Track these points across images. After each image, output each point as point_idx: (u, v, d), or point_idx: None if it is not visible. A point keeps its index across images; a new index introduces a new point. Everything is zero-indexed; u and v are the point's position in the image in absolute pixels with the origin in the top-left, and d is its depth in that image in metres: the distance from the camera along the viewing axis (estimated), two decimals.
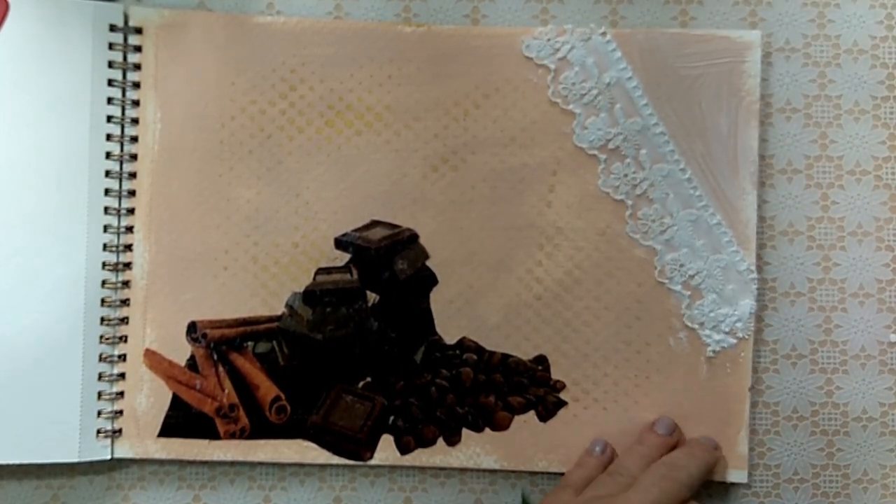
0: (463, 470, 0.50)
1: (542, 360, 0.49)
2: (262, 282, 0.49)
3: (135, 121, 0.50)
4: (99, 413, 0.48)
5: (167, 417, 0.49)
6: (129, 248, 0.49)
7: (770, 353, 0.50)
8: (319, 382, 0.49)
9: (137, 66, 0.50)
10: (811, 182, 0.50)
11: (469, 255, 0.49)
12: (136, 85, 0.50)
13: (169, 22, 0.50)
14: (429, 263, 0.49)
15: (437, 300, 0.49)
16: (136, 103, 0.50)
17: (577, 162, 0.49)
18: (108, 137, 0.49)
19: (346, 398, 0.49)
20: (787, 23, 0.50)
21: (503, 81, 0.50)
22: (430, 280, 0.49)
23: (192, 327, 0.49)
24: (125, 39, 0.50)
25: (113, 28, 0.49)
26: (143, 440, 0.49)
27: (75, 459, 0.48)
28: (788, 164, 0.50)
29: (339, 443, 0.49)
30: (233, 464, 0.50)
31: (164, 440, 0.49)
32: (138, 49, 0.50)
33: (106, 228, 0.49)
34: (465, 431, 0.49)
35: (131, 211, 0.49)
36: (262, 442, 0.49)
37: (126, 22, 0.50)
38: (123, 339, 0.49)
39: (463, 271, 0.49)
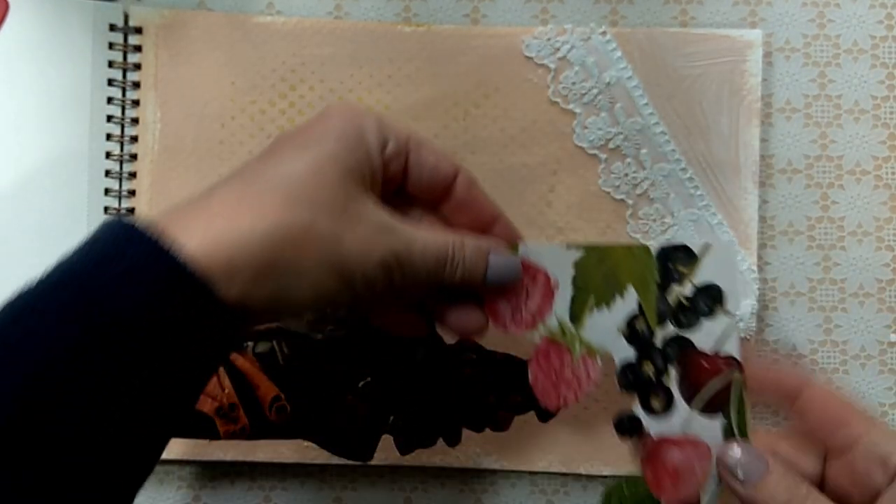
0: (463, 470, 0.50)
1: None
2: None
3: (135, 121, 0.50)
4: None
5: None
6: None
7: (770, 353, 0.50)
8: (319, 382, 0.49)
9: (137, 66, 0.50)
10: (811, 182, 0.50)
11: None
12: (136, 85, 0.50)
13: (169, 22, 0.50)
14: None
15: None
16: (136, 103, 0.50)
17: (578, 162, 0.49)
18: (108, 137, 0.49)
19: (346, 398, 0.49)
20: (787, 23, 0.50)
21: (503, 81, 0.50)
22: None
23: None
24: (125, 39, 0.50)
25: (113, 28, 0.49)
26: None
27: None
28: (788, 164, 0.50)
29: (339, 443, 0.49)
30: (233, 464, 0.49)
31: None
32: (138, 49, 0.50)
33: None
34: (465, 431, 0.49)
35: (131, 211, 0.49)
36: (262, 442, 0.49)
37: (126, 22, 0.50)
38: None
39: None
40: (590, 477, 0.49)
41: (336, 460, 0.49)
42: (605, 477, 0.49)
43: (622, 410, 0.39)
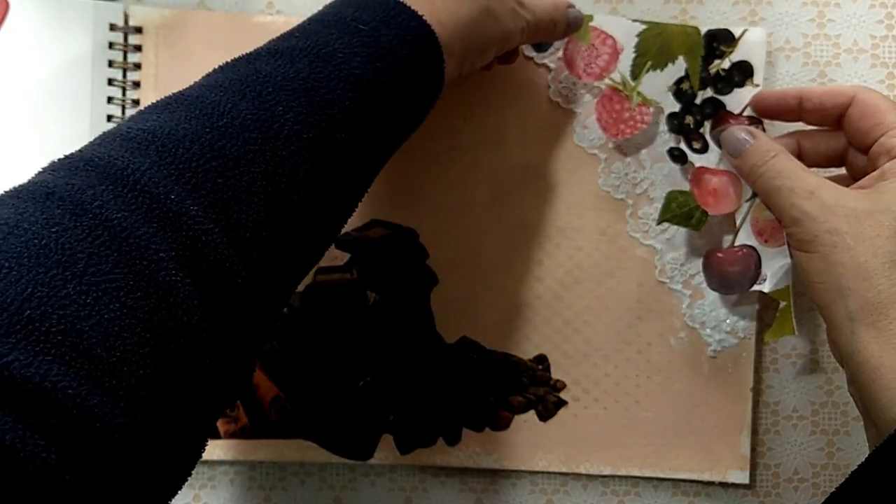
0: (463, 470, 0.50)
1: (542, 360, 0.49)
2: None
3: None
4: None
5: None
6: None
7: (770, 353, 0.50)
8: (319, 382, 0.49)
9: (137, 66, 0.50)
10: None
11: (469, 255, 0.49)
12: (137, 85, 0.50)
13: (169, 21, 0.50)
14: (429, 263, 0.49)
15: (437, 300, 0.49)
16: (136, 103, 0.50)
17: (578, 161, 0.49)
18: None
19: (345, 397, 0.49)
20: (787, 22, 0.50)
21: (503, 81, 0.49)
22: (430, 280, 0.49)
23: None
24: (125, 39, 0.50)
25: (113, 27, 0.49)
26: None
27: None
28: None
29: (339, 442, 0.49)
30: (233, 464, 0.49)
31: None
32: (138, 49, 0.50)
33: None
34: (465, 431, 0.49)
35: None
36: (262, 442, 0.49)
37: (126, 21, 0.50)
38: None
39: (463, 271, 0.49)
40: (590, 477, 0.49)
41: (336, 460, 0.49)
42: (605, 477, 0.49)
43: (674, 146, 0.48)
